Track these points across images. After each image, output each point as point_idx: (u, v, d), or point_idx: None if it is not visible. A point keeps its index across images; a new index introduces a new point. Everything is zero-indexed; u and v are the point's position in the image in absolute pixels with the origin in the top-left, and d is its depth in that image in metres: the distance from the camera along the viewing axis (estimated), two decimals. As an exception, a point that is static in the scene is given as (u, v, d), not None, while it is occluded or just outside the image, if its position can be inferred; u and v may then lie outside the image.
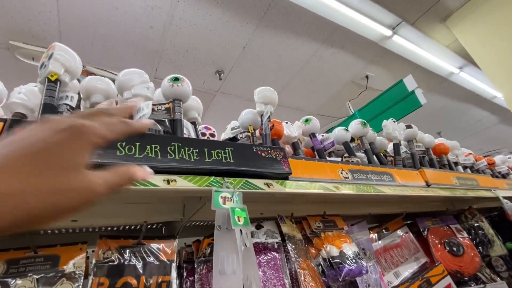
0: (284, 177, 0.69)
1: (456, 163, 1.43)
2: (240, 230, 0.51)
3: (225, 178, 0.58)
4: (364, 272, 0.82)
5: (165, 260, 0.72)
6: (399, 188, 0.92)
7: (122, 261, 0.69)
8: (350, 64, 3.23)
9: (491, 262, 1.47)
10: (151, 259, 0.72)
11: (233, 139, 0.83)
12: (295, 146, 0.88)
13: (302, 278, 0.71)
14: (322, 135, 1.02)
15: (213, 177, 0.58)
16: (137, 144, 0.52)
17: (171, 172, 0.53)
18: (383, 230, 1.35)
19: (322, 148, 0.93)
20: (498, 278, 1.38)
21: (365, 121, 1.07)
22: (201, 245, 0.78)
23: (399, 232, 1.37)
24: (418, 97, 1.82)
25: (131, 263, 0.69)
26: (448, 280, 1.21)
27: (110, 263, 0.67)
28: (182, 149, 0.56)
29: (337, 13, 2.40)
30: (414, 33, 2.81)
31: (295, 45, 2.86)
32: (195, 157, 0.57)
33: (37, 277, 0.58)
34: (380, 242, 1.29)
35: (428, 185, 1.04)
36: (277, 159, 0.69)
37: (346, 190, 0.77)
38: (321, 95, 3.77)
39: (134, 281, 0.66)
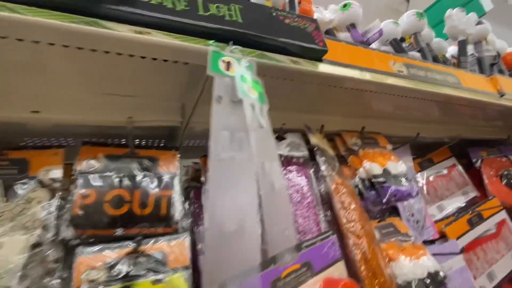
0: (317, 57, 0.49)
1: (530, 79, 1.13)
2: (252, 104, 0.34)
3: (230, 43, 0.39)
4: (414, 194, 0.65)
5: (165, 172, 0.59)
6: (467, 93, 0.69)
7: (110, 172, 0.56)
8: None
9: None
10: (148, 171, 0.59)
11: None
12: (329, 34, 0.65)
13: (337, 194, 0.54)
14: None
15: (212, 41, 0.39)
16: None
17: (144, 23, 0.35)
18: (426, 161, 1.15)
19: (366, 41, 0.70)
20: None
21: (421, 12, 0.80)
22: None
23: (445, 163, 1.17)
24: (481, 2, 1.42)
25: (121, 174, 0.56)
26: (503, 215, 1.03)
27: (96, 174, 0.55)
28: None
29: None
30: None
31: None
32: (183, 7, 0.37)
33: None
34: (422, 173, 1.11)
35: (501, 94, 0.80)
36: (307, 30, 0.48)
37: (399, 83, 0.56)
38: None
39: (126, 194, 0.53)
